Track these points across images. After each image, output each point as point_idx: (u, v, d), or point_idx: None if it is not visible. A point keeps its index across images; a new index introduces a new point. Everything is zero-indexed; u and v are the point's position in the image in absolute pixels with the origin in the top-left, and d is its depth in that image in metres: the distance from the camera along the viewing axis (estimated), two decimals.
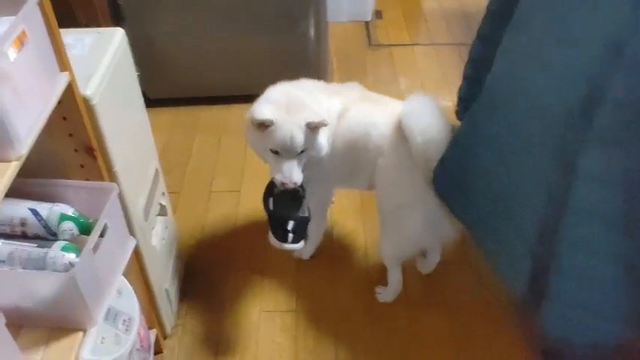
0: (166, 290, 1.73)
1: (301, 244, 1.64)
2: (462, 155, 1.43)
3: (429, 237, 1.70)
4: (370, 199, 1.91)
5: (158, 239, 1.70)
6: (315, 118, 1.49)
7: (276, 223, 1.63)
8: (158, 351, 1.75)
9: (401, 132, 1.56)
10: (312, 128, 1.50)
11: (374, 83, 2.86)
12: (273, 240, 1.63)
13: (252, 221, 2.17)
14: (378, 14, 3.44)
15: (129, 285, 1.38)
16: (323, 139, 1.56)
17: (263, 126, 1.48)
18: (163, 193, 1.75)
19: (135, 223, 1.45)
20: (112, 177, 1.32)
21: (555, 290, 1.22)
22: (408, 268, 1.91)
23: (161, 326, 1.74)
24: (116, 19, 2.47)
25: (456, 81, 1.88)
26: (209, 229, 2.16)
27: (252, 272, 1.99)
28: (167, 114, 2.70)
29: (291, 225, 1.60)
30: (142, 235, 1.51)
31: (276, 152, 1.51)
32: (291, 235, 1.60)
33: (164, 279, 1.72)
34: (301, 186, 1.58)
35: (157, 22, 2.50)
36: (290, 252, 2.02)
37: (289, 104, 1.51)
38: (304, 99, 1.55)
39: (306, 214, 1.66)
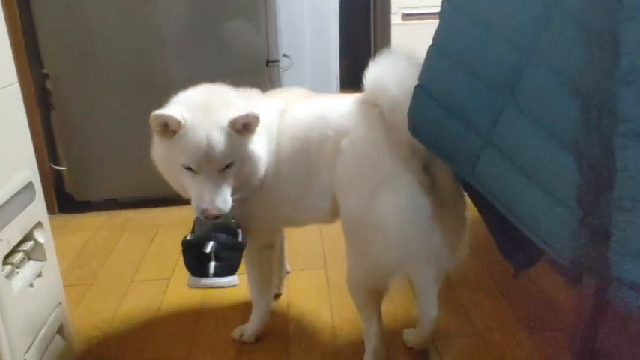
0: None
1: (231, 279, 1.13)
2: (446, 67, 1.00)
3: (415, 244, 1.15)
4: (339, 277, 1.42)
5: (22, 283, 1.16)
6: (240, 114, 1.11)
7: (191, 252, 1.17)
8: None
9: (367, 104, 1.17)
10: (239, 130, 1.12)
11: None
12: (191, 280, 1.24)
13: (181, 307, 1.61)
14: None
15: None
16: (257, 146, 1.17)
17: (168, 131, 1.10)
18: (41, 225, 1.26)
19: None
20: None
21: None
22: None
23: None
24: (44, 106, 2.21)
25: None
26: (122, 320, 1.59)
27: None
28: (94, 217, 2.28)
29: (210, 247, 1.12)
30: None
31: (189, 169, 1.11)
32: (212, 264, 1.10)
33: (23, 343, 1.14)
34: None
35: (90, 114, 2.22)
36: (230, 331, 1.45)
37: (206, 103, 1.15)
38: (228, 96, 1.21)
39: (240, 238, 1.16)
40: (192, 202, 1.12)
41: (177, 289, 1.69)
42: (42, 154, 2.16)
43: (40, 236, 1.25)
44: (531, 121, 0.83)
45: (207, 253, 1.13)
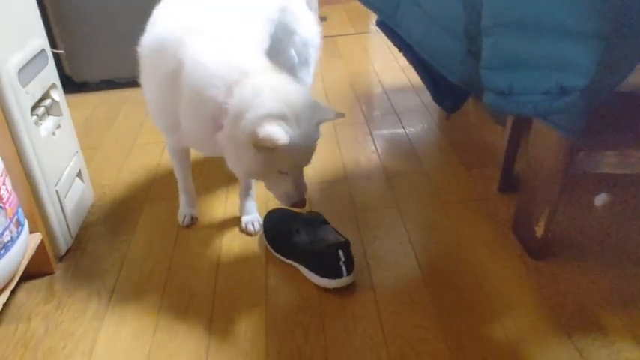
0: (57, 192, 1.43)
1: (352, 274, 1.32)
2: None
3: None
4: None
5: (46, 131, 1.44)
6: (329, 116, 1.16)
7: (318, 257, 1.31)
8: (47, 271, 1.42)
9: None
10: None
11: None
12: (321, 280, 1.31)
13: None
14: (322, 19, 3.41)
15: None
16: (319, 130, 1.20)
17: (269, 147, 1.08)
18: (55, 86, 1.51)
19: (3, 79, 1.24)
20: None
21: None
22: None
23: (50, 236, 1.42)
24: None
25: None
26: (127, 173, 1.89)
27: (172, 200, 1.70)
28: (93, 96, 2.52)
29: (341, 254, 1.29)
30: (16, 101, 1.28)
31: (281, 171, 1.17)
32: (343, 267, 1.29)
33: (54, 178, 1.44)
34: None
35: None
36: (221, 177, 1.75)
37: (293, 107, 1.10)
38: (299, 90, 1.17)
39: (340, 236, 1.37)
40: (283, 196, 1.21)
41: None
42: None
43: (55, 95, 1.51)
44: None
45: (342, 260, 1.28)
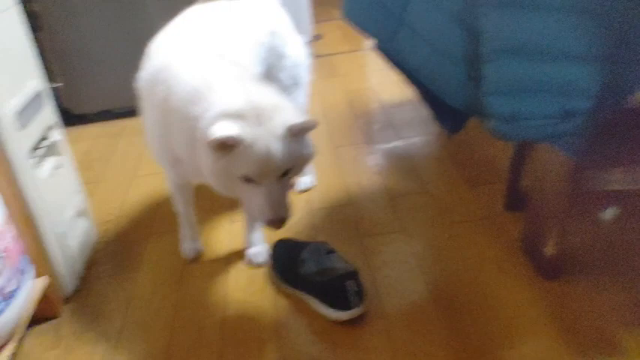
0: (61, 234, 1.42)
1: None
2: None
3: None
4: None
5: (47, 172, 1.43)
6: (298, 121, 1.04)
7: (327, 289, 1.29)
8: (54, 315, 1.40)
9: None
10: (296, 134, 1.05)
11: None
12: (331, 313, 1.28)
13: None
14: (317, 37, 3.42)
15: None
16: (310, 144, 1.11)
17: (225, 147, 1.01)
18: (54, 126, 1.50)
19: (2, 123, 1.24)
20: None
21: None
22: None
23: (55, 278, 1.41)
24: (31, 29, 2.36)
25: None
26: (130, 206, 1.88)
27: (176, 233, 1.69)
28: (91, 128, 2.52)
29: (350, 285, 1.27)
30: (16, 144, 1.28)
31: (248, 180, 1.05)
32: (354, 298, 1.27)
33: (57, 219, 1.42)
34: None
35: (77, 29, 2.39)
36: (225, 210, 1.73)
37: (256, 108, 1.03)
38: (266, 93, 1.10)
39: (345, 264, 1.36)
40: (255, 212, 1.08)
41: None
42: None
43: (55, 135, 1.50)
44: (430, 3, 1.07)
45: (348, 291, 1.25)
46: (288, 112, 1.06)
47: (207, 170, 1.08)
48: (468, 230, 1.56)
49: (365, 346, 1.23)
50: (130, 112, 2.49)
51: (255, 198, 1.06)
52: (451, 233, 1.56)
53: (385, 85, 2.61)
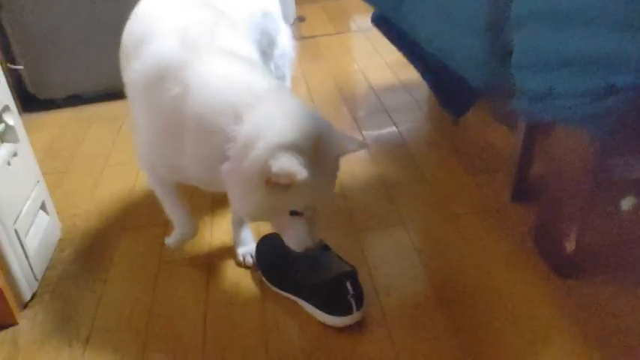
0: (16, 231, 1.25)
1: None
2: None
3: None
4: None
5: (1, 161, 1.25)
6: (351, 148, 0.97)
7: (323, 292, 1.15)
8: (9, 323, 1.24)
9: None
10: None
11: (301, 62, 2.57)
12: (328, 319, 1.14)
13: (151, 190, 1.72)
14: (300, 18, 3.25)
15: None
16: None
17: (283, 184, 0.91)
18: (9, 109, 1.32)
19: None
20: None
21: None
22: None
23: (10, 282, 1.24)
24: None
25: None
26: (100, 199, 1.70)
27: (152, 227, 1.52)
28: (59, 114, 2.33)
29: (350, 287, 1.13)
30: None
31: (294, 212, 0.99)
32: (352, 301, 1.13)
33: (11, 214, 1.25)
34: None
35: (42, 7, 2.18)
36: (205, 201, 1.57)
37: (312, 140, 0.93)
38: (313, 115, 0.99)
39: (343, 265, 1.20)
40: (293, 241, 1.02)
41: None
42: None
43: (9, 119, 1.32)
44: None
45: (349, 294, 1.12)
46: (336, 137, 0.97)
47: (247, 201, 0.97)
48: (472, 223, 1.43)
49: (367, 355, 1.09)
50: (101, 96, 2.34)
51: (295, 228, 1.00)
52: (454, 226, 1.42)
53: (373, 68, 2.45)
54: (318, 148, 0.93)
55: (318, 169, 0.92)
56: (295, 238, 1.01)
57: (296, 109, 0.97)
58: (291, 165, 0.87)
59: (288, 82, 1.44)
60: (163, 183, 1.24)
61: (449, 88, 1.23)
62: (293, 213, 0.98)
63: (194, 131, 0.99)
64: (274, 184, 0.90)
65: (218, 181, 1.00)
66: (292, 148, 0.90)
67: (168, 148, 1.06)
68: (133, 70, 1.07)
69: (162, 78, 1.01)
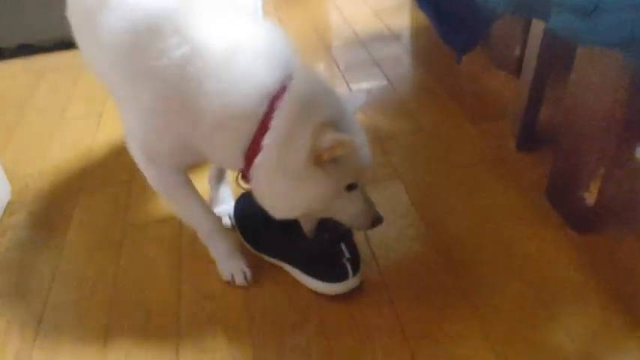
0: None
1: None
2: None
3: None
4: None
5: None
6: (361, 100, 1.02)
7: (315, 255, 1.00)
8: None
9: None
10: None
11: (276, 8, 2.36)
12: (320, 286, 1.00)
13: (118, 140, 1.53)
14: None
15: None
16: None
17: (331, 158, 0.85)
18: None
19: None
20: None
21: None
22: None
23: None
24: None
25: None
26: (55, 156, 1.51)
27: (114, 187, 1.35)
28: (9, 64, 2.11)
29: (345, 249, 0.99)
30: None
31: (350, 186, 0.91)
32: (348, 265, 0.98)
33: None
34: None
35: None
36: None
37: (337, 105, 0.90)
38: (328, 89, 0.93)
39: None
40: (359, 219, 0.94)
41: (111, 123, 1.61)
42: None
43: None
44: None
45: (346, 257, 0.98)
46: (354, 100, 0.99)
47: (299, 193, 0.88)
48: (475, 174, 1.29)
49: (366, 325, 0.96)
50: (56, 45, 2.10)
51: (357, 203, 0.93)
52: (457, 178, 1.28)
53: (358, 15, 2.26)
54: (346, 115, 0.90)
55: (352, 132, 0.89)
56: (362, 214, 0.94)
57: (321, 85, 0.91)
58: (339, 135, 0.83)
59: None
60: (170, 174, 1.01)
61: (452, 21, 1.06)
62: (349, 188, 0.90)
63: (211, 109, 0.83)
64: (325, 163, 0.85)
65: (231, 162, 0.91)
66: (330, 125, 0.84)
67: (172, 124, 0.87)
68: (106, 29, 0.86)
69: (157, 34, 0.81)
